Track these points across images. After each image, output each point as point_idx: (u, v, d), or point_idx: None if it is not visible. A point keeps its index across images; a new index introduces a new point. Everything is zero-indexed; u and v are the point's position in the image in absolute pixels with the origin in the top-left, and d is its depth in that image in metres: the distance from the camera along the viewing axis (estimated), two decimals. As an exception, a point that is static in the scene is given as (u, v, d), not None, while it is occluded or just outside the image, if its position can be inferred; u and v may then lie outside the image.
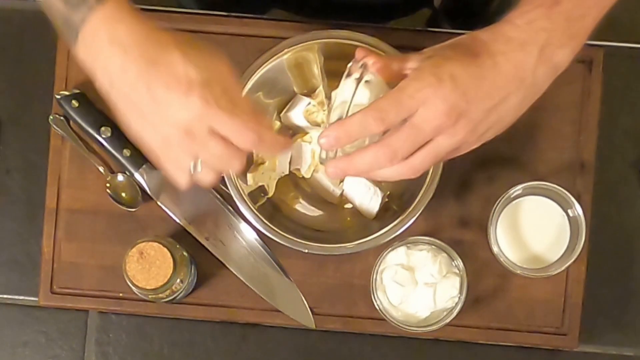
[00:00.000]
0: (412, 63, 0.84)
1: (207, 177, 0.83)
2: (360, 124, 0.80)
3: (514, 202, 1.04)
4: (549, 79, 0.84)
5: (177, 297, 1.06)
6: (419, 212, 1.00)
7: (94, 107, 1.09)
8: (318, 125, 1.05)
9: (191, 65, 0.78)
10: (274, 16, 1.13)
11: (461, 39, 0.84)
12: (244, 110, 0.80)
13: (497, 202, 1.02)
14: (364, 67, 0.86)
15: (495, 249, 1.02)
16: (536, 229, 1.04)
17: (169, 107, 0.78)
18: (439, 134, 0.80)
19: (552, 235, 1.04)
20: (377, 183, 1.05)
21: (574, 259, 1.01)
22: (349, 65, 0.88)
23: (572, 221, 1.03)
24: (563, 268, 1.01)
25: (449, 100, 0.78)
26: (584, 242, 1.00)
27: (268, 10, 1.25)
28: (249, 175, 1.05)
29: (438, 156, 0.81)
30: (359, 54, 0.87)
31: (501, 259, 1.02)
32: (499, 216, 1.03)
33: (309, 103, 1.05)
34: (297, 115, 1.06)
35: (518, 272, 1.02)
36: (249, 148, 0.81)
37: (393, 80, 0.84)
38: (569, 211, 1.03)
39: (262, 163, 1.06)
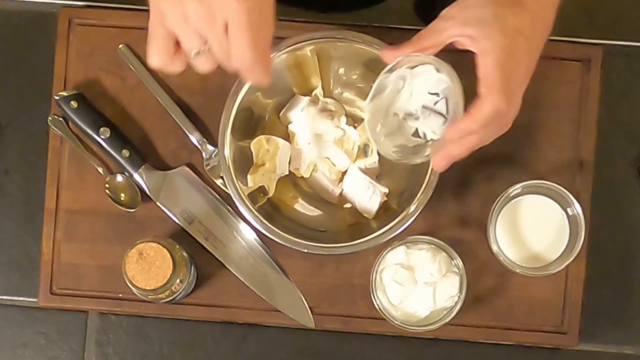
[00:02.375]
0: (465, 29, 0.85)
1: (205, 64, 0.84)
2: (493, 109, 0.84)
3: (513, 201, 1.04)
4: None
5: (177, 298, 1.06)
6: (419, 212, 1.00)
7: (93, 107, 1.09)
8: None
9: None
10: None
11: None
12: (257, 34, 0.81)
13: (497, 201, 1.02)
14: (399, 63, 0.88)
15: (494, 248, 1.02)
16: (535, 227, 1.05)
17: None
18: (525, 84, 0.87)
19: (552, 234, 1.04)
20: (377, 182, 1.05)
21: (573, 258, 1.01)
22: (384, 71, 0.91)
23: (572, 220, 1.03)
24: (562, 267, 1.01)
25: (527, 54, 0.85)
26: (583, 241, 1.00)
27: None
28: (249, 177, 1.05)
29: (520, 103, 0.89)
30: (386, 57, 0.91)
31: (501, 258, 1.02)
32: (498, 215, 1.03)
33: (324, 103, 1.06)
34: (296, 115, 1.06)
35: (517, 271, 1.02)
36: (235, 65, 0.82)
37: (440, 49, 0.89)
38: (568, 210, 1.03)
39: (263, 165, 1.06)
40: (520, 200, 1.04)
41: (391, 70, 0.92)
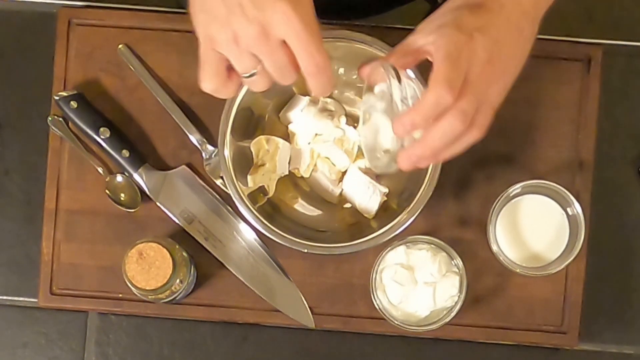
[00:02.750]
0: (428, 38, 0.85)
1: (260, 84, 0.84)
2: (434, 100, 0.81)
3: (513, 200, 1.04)
4: (541, 11, 0.88)
5: (177, 298, 1.06)
6: (418, 211, 1.00)
7: (93, 107, 1.09)
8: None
9: None
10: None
11: (453, 1, 0.87)
12: (319, 36, 0.81)
13: (496, 200, 1.02)
14: (388, 70, 0.88)
15: (494, 248, 1.02)
16: (535, 227, 1.05)
17: (254, 3, 0.78)
18: (492, 82, 0.84)
19: (552, 233, 1.04)
20: (376, 182, 1.05)
21: (573, 258, 1.01)
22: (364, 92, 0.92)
23: (571, 220, 1.03)
24: (562, 266, 1.01)
25: (487, 50, 0.83)
26: (583, 241, 1.00)
27: None
28: (249, 177, 1.05)
29: (493, 106, 0.85)
30: (362, 74, 0.91)
31: (501, 258, 1.02)
32: (498, 215, 1.03)
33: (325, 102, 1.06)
34: (296, 115, 1.06)
35: (517, 270, 1.02)
36: (309, 72, 0.82)
37: (415, 63, 0.88)
38: (568, 210, 1.03)
39: (263, 165, 1.06)
40: (520, 200, 1.04)
41: (370, 90, 0.93)
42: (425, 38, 0.86)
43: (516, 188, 1.02)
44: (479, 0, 0.85)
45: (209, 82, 0.84)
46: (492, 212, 1.02)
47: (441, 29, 0.84)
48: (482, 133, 0.85)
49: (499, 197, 1.02)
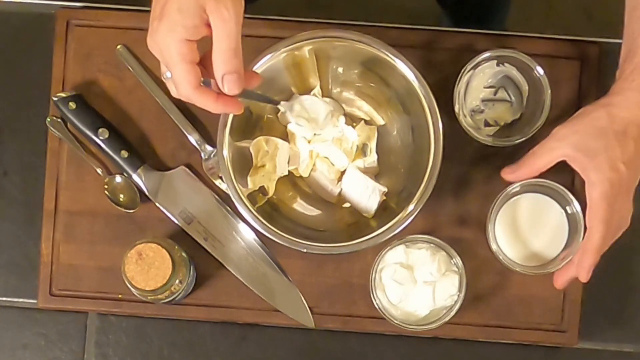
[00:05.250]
0: (567, 151, 0.95)
1: (171, 88, 0.90)
2: (600, 241, 0.95)
3: (512, 199, 1.04)
4: None
5: (176, 298, 1.06)
6: (418, 211, 1.00)
7: (91, 108, 1.09)
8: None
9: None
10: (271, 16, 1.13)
11: (596, 120, 0.94)
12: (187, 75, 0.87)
13: (496, 199, 1.02)
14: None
15: (494, 247, 1.02)
16: (535, 226, 1.05)
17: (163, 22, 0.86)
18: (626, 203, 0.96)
19: (551, 232, 1.04)
20: (376, 181, 1.05)
21: (572, 256, 1.01)
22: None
23: (571, 218, 1.03)
24: (562, 265, 1.01)
25: (632, 183, 0.95)
26: (582, 239, 1.00)
27: None
28: (249, 179, 1.05)
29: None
30: (507, 177, 1.01)
31: (500, 257, 1.02)
32: (497, 214, 1.03)
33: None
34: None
35: (517, 269, 1.02)
36: (182, 96, 0.89)
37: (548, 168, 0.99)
38: (567, 208, 1.03)
39: (263, 166, 1.06)
40: (519, 198, 1.04)
41: None
42: (573, 152, 0.94)
43: (515, 187, 1.02)
44: (624, 128, 0.93)
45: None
46: (492, 211, 1.02)
47: (593, 158, 0.93)
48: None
49: (498, 196, 1.02)
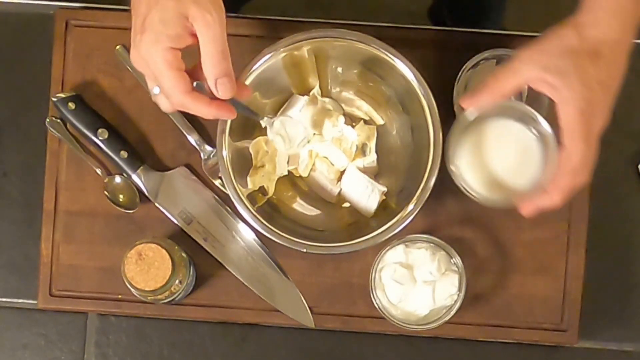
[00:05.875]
0: (544, 75, 0.88)
1: (161, 103, 0.90)
2: (581, 158, 0.88)
3: (477, 124, 0.96)
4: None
5: (176, 298, 1.06)
6: (417, 210, 1.00)
7: (91, 109, 1.09)
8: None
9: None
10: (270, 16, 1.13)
11: (565, 38, 0.89)
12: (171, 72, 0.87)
13: (454, 124, 0.94)
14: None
15: (452, 167, 0.94)
16: (501, 152, 0.97)
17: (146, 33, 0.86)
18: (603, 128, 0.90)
19: (518, 158, 0.96)
20: (376, 181, 1.05)
21: (546, 181, 0.92)
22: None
23: (544, 140, 0.94)
24: (532, 192, 0.93)
25: (607, 103, 0.89)
26: (557, 163, 0.91)
27: None
28: (248, 179, 1.05)
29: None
30: (465, 104, 0.92)
31: (459, 181, 0.94)
32: (457, 140, 0.95)
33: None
34: (294, 114, 1.06)
35: (476, 197, 0.95)
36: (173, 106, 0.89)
37: (518, 92, 0.96)
38: (536, 129, 0.95)
39: (262, 166, 1.06)
40: (485, 122, 0.96)
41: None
42: (541, 74, 0.88)
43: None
44: (595, 47, 0.88)
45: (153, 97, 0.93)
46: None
47: (564, 77, 0.87)
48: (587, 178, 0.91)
49: (455, 121, 0.94)
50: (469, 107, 0.92)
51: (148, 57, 0.86)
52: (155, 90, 0.89)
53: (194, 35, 0.87)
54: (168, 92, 0.87)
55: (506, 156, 0.96)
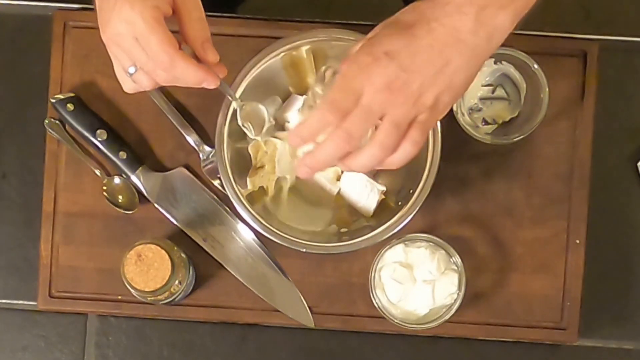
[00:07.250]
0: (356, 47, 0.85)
1: (140, 80, 0.87)
2: (318, 118, 0.82)
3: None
4: (493, 41, 0.84)
5: (176, 299, 1.06)
6: (417, 209, 1.00)
7: (89, 110, 1.09)
8: None
9: None
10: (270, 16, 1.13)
11: (401, 11, 0.85)
12: (160, 33, 0.83)
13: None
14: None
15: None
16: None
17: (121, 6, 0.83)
18: (388, 107, 0.81)
19: None
20: (375, 180, 1.05)
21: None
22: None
23: None
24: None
25: (386, 75, 0.80)
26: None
27: None
28: (248, 180, 1.05)
29: (399, 129, 0.82)
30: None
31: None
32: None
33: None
34: (293, 114, 1.06)
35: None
36: (162, 70, 0.85)
37: None
38: None
39: (262, 167, 1.06)
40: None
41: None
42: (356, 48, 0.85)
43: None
44: (410, 21, 0.82)
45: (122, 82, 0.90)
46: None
47: (361, 46, 0.84)
48: (416, 148, 0.84)
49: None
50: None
51: (129, 21, 0.83)
52: (130, 69, 0.86)
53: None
54: (155, 56, 0.84)
55: None
